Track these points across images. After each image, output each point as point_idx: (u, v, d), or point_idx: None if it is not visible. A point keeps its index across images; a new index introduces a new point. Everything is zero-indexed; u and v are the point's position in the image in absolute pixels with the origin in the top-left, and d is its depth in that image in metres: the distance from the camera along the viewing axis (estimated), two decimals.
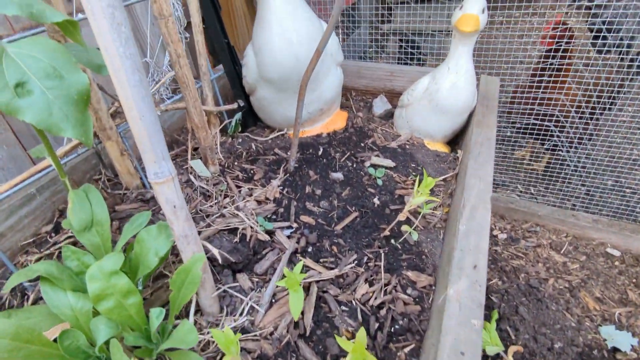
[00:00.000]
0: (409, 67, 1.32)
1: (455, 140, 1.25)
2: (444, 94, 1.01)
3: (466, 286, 0.63)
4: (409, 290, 0.74)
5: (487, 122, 1.01)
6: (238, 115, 1.20)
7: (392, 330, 0.68)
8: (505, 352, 0.89)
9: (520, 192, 1.68)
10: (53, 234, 0.91)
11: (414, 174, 1.01)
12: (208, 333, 0.69)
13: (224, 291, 0.75)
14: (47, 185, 0.94)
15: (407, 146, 1.12)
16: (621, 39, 1.35)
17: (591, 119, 1.32)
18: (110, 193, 0.95)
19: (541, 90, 1.26)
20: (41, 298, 0.74)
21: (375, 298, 0.73)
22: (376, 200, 0.95)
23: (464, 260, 0.67)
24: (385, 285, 0.75)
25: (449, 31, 1.75)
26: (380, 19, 2.06)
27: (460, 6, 0.94)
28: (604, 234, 1.32)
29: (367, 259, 0.80)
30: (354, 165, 1.05)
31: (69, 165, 0.94)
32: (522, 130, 1.41)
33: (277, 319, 0.71)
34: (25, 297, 0.76)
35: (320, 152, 1.10)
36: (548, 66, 1.24)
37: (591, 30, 1.44)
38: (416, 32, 1.87)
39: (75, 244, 0.84)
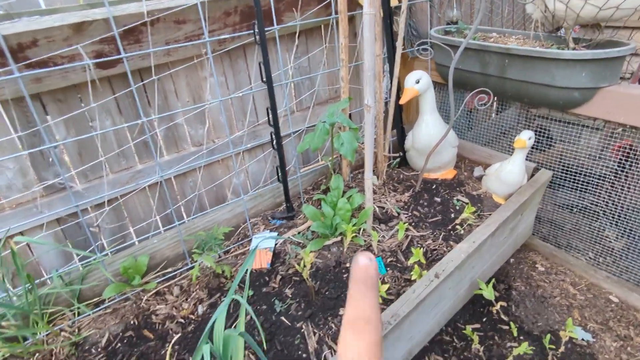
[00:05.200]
0: (500, 153, 2.27)
1: None
2: (504, 173, 1.97)
3: (465, 245, 1.63)
4: (448, 247, 1.75)
5: (523, 192, 1.92)
6: (398, 159, 2.37)
7: (436, 257, 1.72)
8: (496, 302, 1.79)
9: (590, 258, 2.36)
10: (312, 191, 2.22)
11: (475, 207, 1.99)
12: (367, 236, 1.84)
13: (374, 227, 1.90)
14: (314, 170, 2.27)
15: (482, 195, 2.09)
16: None
17: None
18: None
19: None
20: (318, 206, 2.03)
21: (434, 246, 1.77)
22: (452, 215, 1.97)
23: (471, 238, 1.67)
24: (440, 244, 1.78)
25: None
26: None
27: (519, 134, 1.90)
28: (611, 286, 2.01)
29: (435, 234, 1.85)
30: (448, 197, 2.09)
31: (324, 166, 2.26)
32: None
33: (392, 241, 1.82)
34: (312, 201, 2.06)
35: (433, 187, 2.17)
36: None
37: None
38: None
39: (324, 192, 2.13)
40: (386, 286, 1.45)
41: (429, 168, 2.18)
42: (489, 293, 1.75)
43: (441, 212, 1.99)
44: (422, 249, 1.75)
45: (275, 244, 1.88)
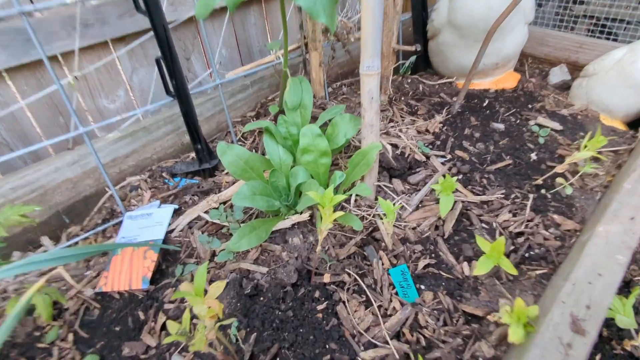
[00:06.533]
0: (602, 40, 1.24)
1: None
2: (635, 68, 0.96)
3: (618, 230, 0.65)
4: (551, 229, 0.78)
5: None
6: (412, 58, 1.31)
7: (527, 255, 0.75)
8: (637, 333, 0.86)
9: None
10: (254, 119, 1.17)
11: (581, 140, 1.00)
12: (366, 210, 0.85)
13: (380, 187, 0.90)
14: (257, 81, 1.21)
15: (579, 116, 1.10)
16: None
17: None
18: None
19: None
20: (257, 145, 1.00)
21: (517, 226, 0.79)
22: (533, 155, 0.98)
23: (621, 210, 0.69)
24: (528, 220, 0.81)
25: None
26: None
27: None
28: None
29: (514, 196, 0.86)
30: (517, 121, 1.08)
31: (280, 66, 1.18)
32: None
33: (420, 219, 0.84)
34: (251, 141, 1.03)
35: (484, 104, 1.15)
36: None
37: None
38: (614, 19, 1.54)
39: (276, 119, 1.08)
40: None
41: (478, 69, 1.15)
42: (627, 317, 0.81)
43: (511, 150, 1.00)
44: (500, 234, 0.77)
45: (169, 233, 0.86)
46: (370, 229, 0.82)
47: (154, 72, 1.15)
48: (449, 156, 0.99)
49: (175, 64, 0.82)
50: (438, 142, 1.03)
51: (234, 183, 0.94)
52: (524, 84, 1.25)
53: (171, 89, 0.86)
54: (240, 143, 1.07)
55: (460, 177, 0.93)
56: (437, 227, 0.82)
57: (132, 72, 1.14)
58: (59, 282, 0.84)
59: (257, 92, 1.21)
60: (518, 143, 1.01)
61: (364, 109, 0.76)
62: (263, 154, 1.03)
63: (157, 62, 0.81)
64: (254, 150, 1.04)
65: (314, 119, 1.00)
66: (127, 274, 0.80)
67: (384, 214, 0.73)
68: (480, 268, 0.67)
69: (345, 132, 0.82)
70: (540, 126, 1.05)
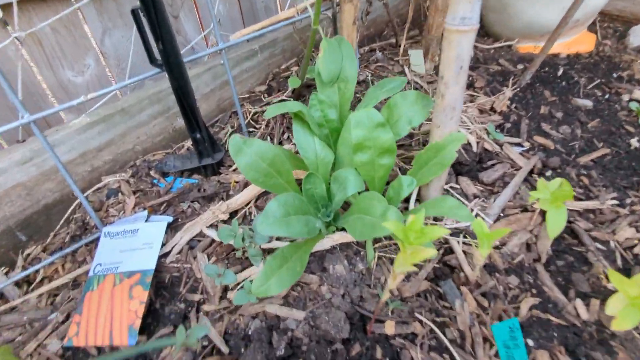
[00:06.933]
0: None
1: None
2: None
3: None
4: None
5: None
6: None
7: None
8: None
9: None
10: (266, 95, 0.92)
11: None
12: (430, 224, 0.62)
13: (445, 189, 0.68)
14: (268, 45, 0.94)
15: None
16: None
17: None
18: None
19: None
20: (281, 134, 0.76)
21: None
22: (634, 142, 0.75)
23: None
24: None
25: None
26: None
27: None
28: None
29: (630, 202, 0.64)
30: (606, 96, 0.85)
31: (304, 22, 0.92)
32: None
33: (505, 236, 0.62)
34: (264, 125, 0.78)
35: (559, 73, 0.91)
36: None
37: None
38: None
39: (298, 95, 0.84)
40: None
41: (550, 29, 0.90)
42: None
43: (604, 134, 0.77)
44: (624, 259, 0.56)
45: (162, 257, 0.63)
46: (441, 252, 0.59)
47: (132, 33, 0.88)
48: (527, 144, 0.76)
49: (161, 17, 0.55)
50: (508, 125, 0.80)
51: (246, 184, 0.71)
52: (599, 47, 1.01)
53: (157, 55, 0.61)
54: (250, 129, 0.82)
55: (548, 173, 0.70)
56: (528, 247, 0.60)
57: (103, 33, 0.86)
58: (13, 329, 0.62)
59: (267, 60, 0.95)
60: (613, 125, 0.78)
61: (446, 83, 0.52)
62: (280, 143, 0.79)
63: (134, 14, 0.54)
64: (268, 139, 0.79)
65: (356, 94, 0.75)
66: (107, 319, 0.57)
67: (461, 231, 0.51)
68: (623, 321, 0.46)
69: (410, 118, 0.58)
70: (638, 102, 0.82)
